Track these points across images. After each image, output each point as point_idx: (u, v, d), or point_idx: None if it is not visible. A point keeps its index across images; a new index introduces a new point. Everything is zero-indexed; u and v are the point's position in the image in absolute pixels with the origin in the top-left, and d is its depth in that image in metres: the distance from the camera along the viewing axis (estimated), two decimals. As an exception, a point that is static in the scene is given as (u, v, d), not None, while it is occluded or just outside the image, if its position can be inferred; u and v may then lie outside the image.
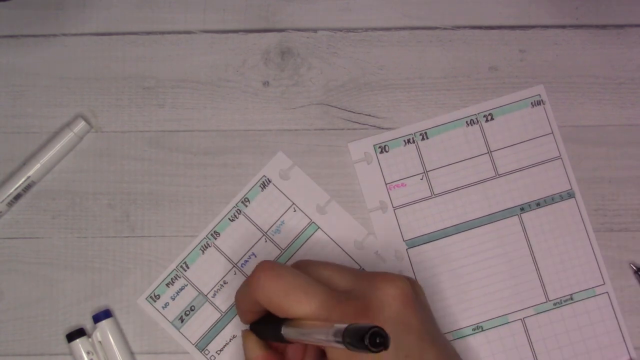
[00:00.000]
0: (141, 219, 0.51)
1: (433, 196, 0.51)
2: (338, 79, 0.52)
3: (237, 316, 0.48)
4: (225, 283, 0.50)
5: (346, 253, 0.50)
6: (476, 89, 0.52)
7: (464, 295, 0.50)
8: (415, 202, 0.51)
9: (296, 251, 0.50)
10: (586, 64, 0.52)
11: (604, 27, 0.52)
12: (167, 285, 0.50)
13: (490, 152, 0.51)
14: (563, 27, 0.52)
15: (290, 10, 0.52)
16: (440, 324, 0.49)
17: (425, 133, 0.51)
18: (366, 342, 0.31)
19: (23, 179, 0.50)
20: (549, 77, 0.52)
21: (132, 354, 0.49)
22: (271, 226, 0.50)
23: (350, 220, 0.50)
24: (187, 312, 0.50)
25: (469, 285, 0.50)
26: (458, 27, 0.52)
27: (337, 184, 0.51)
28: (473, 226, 0.50)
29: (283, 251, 0.50)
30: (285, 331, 0.41)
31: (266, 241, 0.50)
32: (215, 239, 0.50)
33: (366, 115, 0.51)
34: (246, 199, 0.51)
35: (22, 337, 0.50)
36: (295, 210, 0.51)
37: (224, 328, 0.50)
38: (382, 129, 0.51)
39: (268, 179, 0.51)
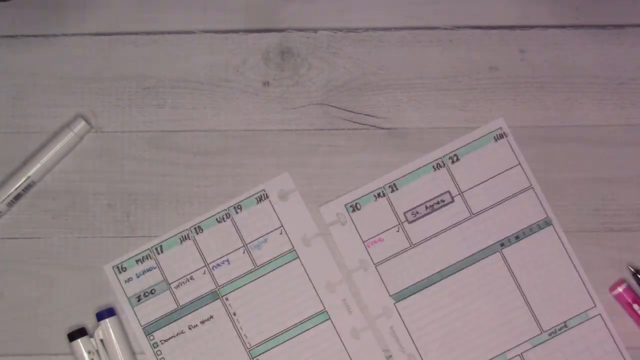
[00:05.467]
0: (141, 219, 0.51)
1: (412, 246, 0.50)
2: (338, 79, 0.52)
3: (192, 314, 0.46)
4: (192, 279, 0.50)
5: (315, 291, 0.50)
6: (476, 89, 0.52)
7: (459, 339, 0.50)
8: (395, 255, 0.50)
9: (267, 273, 0.50)
10: (586, 64, 0.52)
11: (604, 27, 0.52)
12: (137, 261, 0.50)
13: (462, 192, 0.51)
14: (563, 27, 0.52)
15: (290, 10, 0.52)
16: None
17: (394, 184, 0.51)
18: None
19: (23, 179, 0.50)
20: (549, 77, 0.52)
21: (133, 353, 0.49)
22: (253, 240, 0.50)
23: (330, 261, 0.50)
24: (147, 294, 0.50)
25: (463, 328, 0.50)
26: (458, 27, 0.52)
27: (338, 184, 0.51)
28: (457, 269, 0.50)
29: (255, 268, 0.50)
30: None
31: (244, 252, 0.50)
32: (197, 234, 0.50)
33: (366, 115, 0.51)
34: (239, 206, 0.51)
35: (22, 337, 0.50)
36: (281, 233, 0.50)
37: (175, 321, 0.50)
38: (382, 128, 0.51)
39: (266, 194, 0.51)
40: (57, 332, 0.50)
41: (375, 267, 0.50)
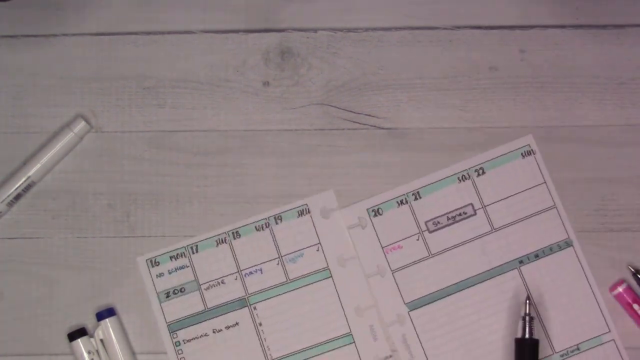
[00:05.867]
0: (141, 219, 0.51)
1: (430, 256, 0.50)
2: (338, 79, 0.52)
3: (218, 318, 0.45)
4: (222, 282, 0.50)
5: (344, 312, 0.50)
6: (476, 89, 0.52)
7: (471, 353, 0.49)
8: (413, 263, 0.50)
9: (298, 288, 0.50)
10: (586, 64, 0.52)
11: (604, 27, 0.52)
12: (171, 258, 0.50)
13: (485, 206, 0.50)
14: (563, 27, 0.52)
15: (290, 10, 0.52)
16: None
17: (418, 192, 0.51)
18: None
19: (23, 179, 0.50)
20: (549, 77, 0.52)
21: (133, 353, 0.49)
22: (289, 253, 0.50)
23: (362, 284, 0.50)
24: (176, 291, 0.50)
25: (475, 342, 0.49)
26: (458, 27, 0.52)
27: (337, 184, 0.51)
28: (473, 283, 0.50)
29: (287, 281, 0.50)
30: None
31: (278, 264, 0.50)
32: (234, 239, 0.50)
33: (366, 115, 0.51)
34: (279, 217, 0.50)
35: (22, 337, 0.50)
36: (318, 250, 0.50)
37: (200, 322, 0.50)
38: (382, 128, 0.51)
39: (308, 209, 0.50)
40: (57, 332, 0.50)
41: (392, 273, 0.50)
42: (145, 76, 0.52)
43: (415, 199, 0.51)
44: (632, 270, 0.50)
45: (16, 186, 0.50)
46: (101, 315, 0.49)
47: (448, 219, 0.50)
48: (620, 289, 0.49)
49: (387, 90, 0.52)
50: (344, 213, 0.50)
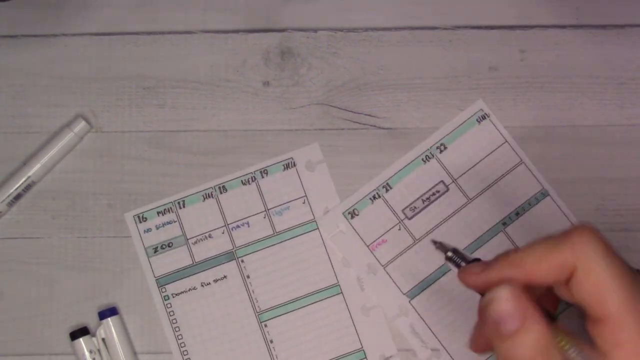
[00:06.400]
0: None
1: (416, 242, 0.50)
2: (338, 79, 0.52)
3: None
4: (210, 237, 0.50)
5: (331, 264, 0.50)
6: (476, 89, 0.52)
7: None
8: (401, 253, 0.50)
9: (285, 240, 0.50)
10: (586, 64, 0.52)
11: (604, 27, 0.52)
12: (158, 213, 0.50)
13: (455, 179, 0.51)
14: (563, 27, 0.52)
15: (290, 10, 0.52)
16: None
17: (388, 184, 0.51)
18: None
19: (23, 179, 0.50)
20: (549, 77, 0.52)
21: (134, 353, 0.49)
22: (276, 206, 0.50)
23: (352, 235, 0.50)
24: (164, 246, 0.50)
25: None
26: (458, 27, 0.52)
27: (337, 184, 0.51)
28: None
29: (274, 234, 0.50)
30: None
31: (265, 217, 0.50)
32: (221, 193, 0.50)
33: (366, 115, 0.51)
34: (265, 171, 0.51)
35: (22, 337, 0.50)
36: (304, 203, 0.51)
37: (189, 277, 0.50)
38: (382, 128, 0.51)
39: (294, 162, 0.51)
40: (57, 332, 0.50)
41: (384, 268, 0.50)
42: (145, 76, 0.52)
43: (387, 190, 0.51)
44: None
45: (16, 186, 0.50)
46: (103, 315, 0.49)
47: (423, 201, 0.51)
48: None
49: (387, 90, 0.52)
50: (322, 224, 0.50)
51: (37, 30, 0.52)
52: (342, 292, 0.50)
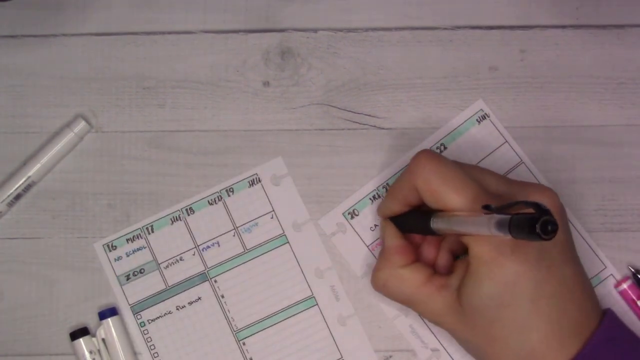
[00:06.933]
0: (141, 219, 0.51)
1: None
2: (338, 79, 0.52)
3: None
4: (181, 259, 0.50)
5: (304, 276, 0.50)
6: (476, 89, 0.52)
7: None
8: None
9: (256, 257, 0.50)
10: (586, 64, 0.52)
11: (604, 27, 0.52)
12: (127, 240, 0.50)
13: None
14: (563, 27, 0.52)
15: (290, 10, 0.52)
16: None
17: (388, 184, 0.51)
18: (538, 229, 0.32)
19: (23, 179, 0.50)
20: (549, 77, 0.52)
21: (135, 353, 0.49)
22: (244, 223, 0.50)
23: (319, 246, 0.50)
24: (136, 273, 0.50)
25: None
26: (458, 27, 0.52)
27: (337, 184, 0.51)
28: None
29: (245, 251, 0.50)
30: (435, 221, 0.42)
31: (234, 235, 0.50)
32: (188, 215, 0.50)
33: (366, 115, 0.51)
34: (231, 189, 0.51)
35: (22, 337, 0.50)
36: (272, 217, 0.50)
37: (163, 301, 0.50)
38: (382, 128, 0.51)
39: (259, 178, 0.51)
40: (57, 332, 0.50)
41: None
42: (145, 76, 0.52)
43: (386, 190, 0.51)
44: (632, 270, 0.50)
45: (16, 186, 0.50)
46: (103, 315, 0.49)
47: None
48: (625, 286, 0.49)
49: (387, 90, 0.52)
50: (323, 223, 0.50)
51: (37, 30, 0.52)
52: (317, 304, 0.50)
